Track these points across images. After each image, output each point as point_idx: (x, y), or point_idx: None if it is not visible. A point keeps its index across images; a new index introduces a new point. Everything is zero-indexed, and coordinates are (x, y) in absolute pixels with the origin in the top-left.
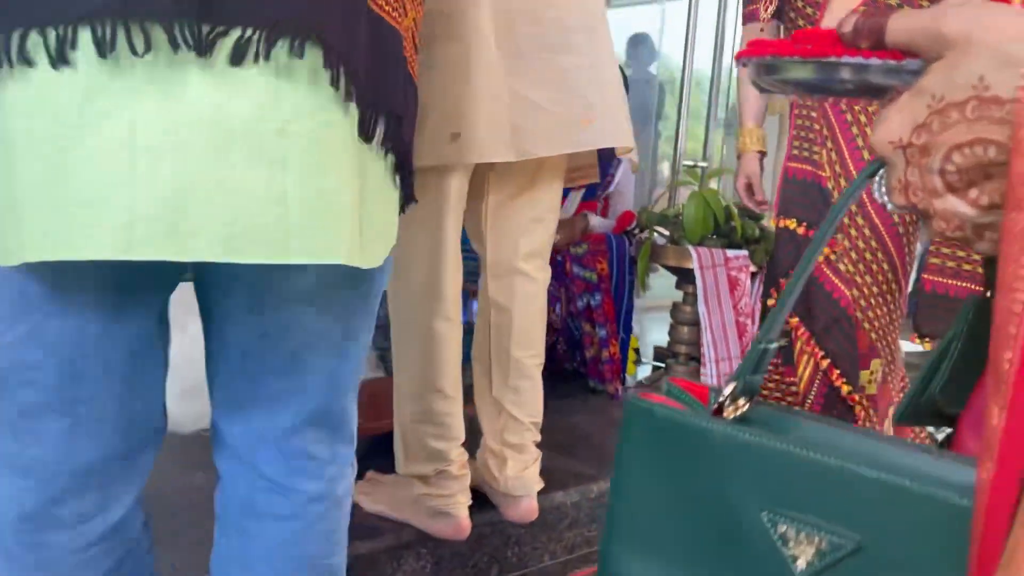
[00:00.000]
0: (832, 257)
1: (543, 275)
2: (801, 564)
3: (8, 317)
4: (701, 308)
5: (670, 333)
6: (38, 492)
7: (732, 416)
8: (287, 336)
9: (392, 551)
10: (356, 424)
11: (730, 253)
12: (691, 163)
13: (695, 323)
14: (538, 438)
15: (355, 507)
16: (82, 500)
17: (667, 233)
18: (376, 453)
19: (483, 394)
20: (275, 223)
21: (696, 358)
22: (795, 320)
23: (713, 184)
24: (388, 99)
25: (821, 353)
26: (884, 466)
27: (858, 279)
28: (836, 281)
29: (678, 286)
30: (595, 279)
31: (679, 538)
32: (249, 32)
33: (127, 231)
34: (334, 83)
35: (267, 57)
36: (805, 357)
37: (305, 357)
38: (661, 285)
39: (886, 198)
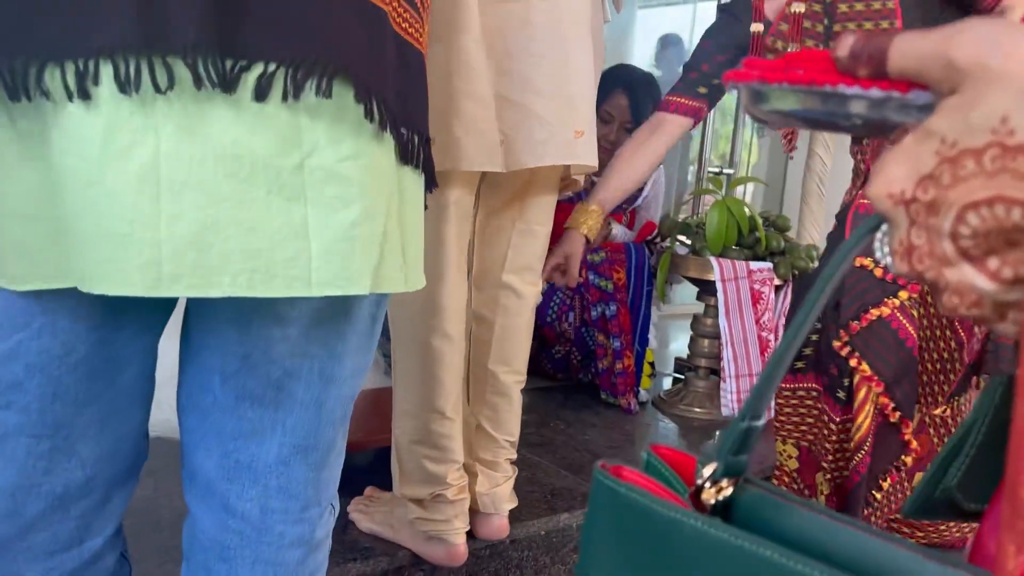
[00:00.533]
0: (907, 302)
1: (532, 289)
2: None
3: None
4: (722, 321)
5: (690, 346)
6: (11, 519)
7: (713, 501)
8: (272, 360)
9: (384, 574)
10: (339, 461)
11: (754, 265)
12: (716, 170)
13: (716, 336)
14: (513, 456)
15: (350, 525)
16: (58, 529)
17: (689, 243)
18: (380, 467)
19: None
20: (296, 257)
21: (716, 372)
22: (864, 366)
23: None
24: (418, 121)
25: (891, 405)
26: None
27: (924, 321)
28: (908, 327)
29: (699, 297)
30: (611, 288)
31: None
32: (272, 67)
33: (155, 268)
34: (368, 115)
35: (296, 97)
36: (869, 406)
37: (291, 384)
38: (686, 293)
39: (888, 260)
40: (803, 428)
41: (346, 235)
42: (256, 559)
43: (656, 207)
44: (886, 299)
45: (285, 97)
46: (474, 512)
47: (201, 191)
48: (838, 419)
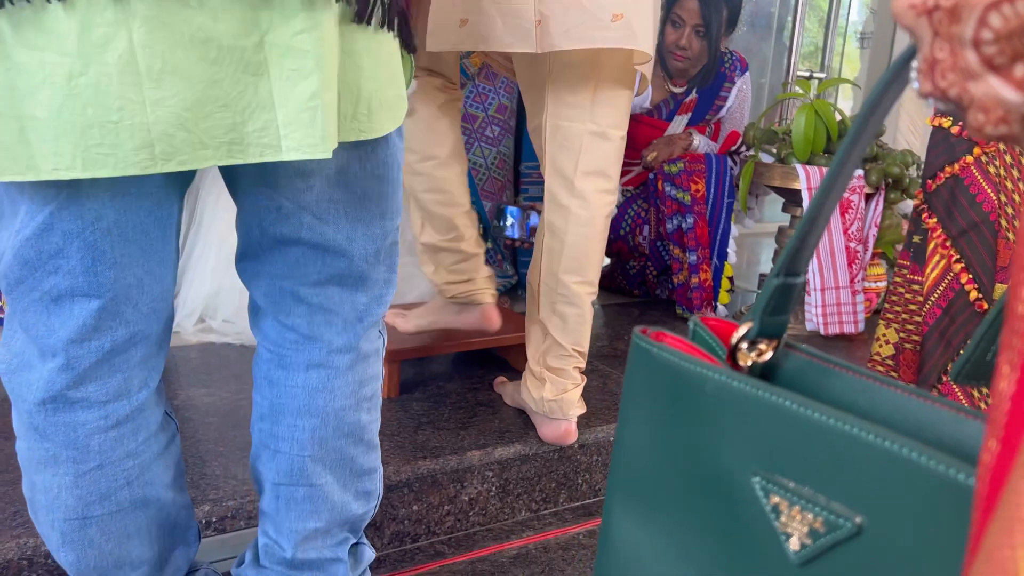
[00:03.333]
0: (983, 158)
1: (603, 198)
2: (794, 544)
3: (24, 212)
4: None
5: (775, 259)
6: (67, 373)
7: (750, 364)
8: (300, 209)
9: (455, 473)
10: (390, 289)
11: None
12: (806, 73)
13: None
14: (582, 365)
15: (422, 425)
16: (107, 381)
17: (774, 151)
18: (438, 372)
19: (531, 316)
20: (265, 127)
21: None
22: (932, 220)
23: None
24: None
25: (955, 256)
26: (902, 434)
27: (1008, 184)
28: (983, 183)
29: (785, 209)
30: (688, 200)
31: (671, 499)
32: None
33: (148, 150)
34: None
35: None
36: (937, 257)
37: (322, 226)
38: (773, 210)
39: (916, 85)
40: (892, 297)
41: (307, 105)
42: (309, 363)
43: (741, 117)
44: (960, 157)
45: None
46: (542, 417)
47: (178, 76)
48: (913, 279)
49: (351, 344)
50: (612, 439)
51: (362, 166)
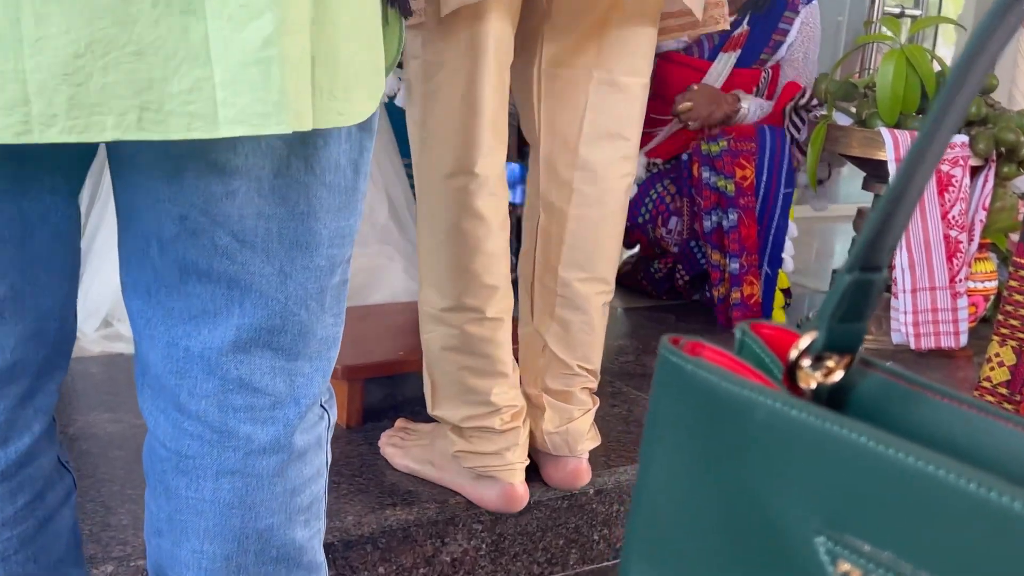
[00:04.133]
0: None
1: (618, 169)
2: None
3: None
4: None
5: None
6: None
7: (814, 387)
8: (213, 224)
9: (434, 526)
10: (335, 350)
11: None
12: (896, 10)
13: None
14: (593, 385)
15: (384, 465)
16: None
17: (853, 110)
18: (415, 395)
19: (524, 321)
20: (196, 87)
21: (888, 287)
22: None
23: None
24: None
25: None
26: (1016, 484)
27: None
28: None
29: (866, 186)
30: (731, 191)
31: (707, 562)
32: None
33: (22, 109)
34: None
35: None
36: None
37: (245, 253)
38: (850, 187)
39: None
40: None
41: (257, 56)
42: (220, 469)
43: (806, 61)
44: None
45: None
46: (544, 455)
47: (71, 6)
48: None
49: (280, 440)
50: None
51: (309, 168)
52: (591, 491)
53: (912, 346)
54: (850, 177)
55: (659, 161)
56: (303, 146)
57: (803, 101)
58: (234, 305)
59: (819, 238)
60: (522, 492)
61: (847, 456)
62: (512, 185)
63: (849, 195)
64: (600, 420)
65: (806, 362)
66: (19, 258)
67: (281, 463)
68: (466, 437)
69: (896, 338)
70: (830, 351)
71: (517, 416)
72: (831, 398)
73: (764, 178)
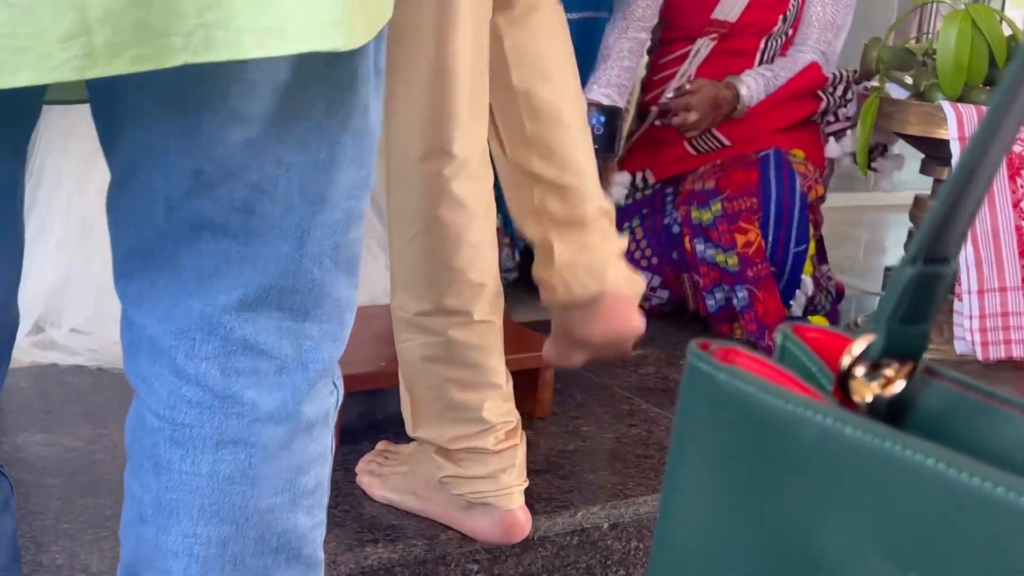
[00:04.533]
0: None
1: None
2: None
3: None
4: None
5: (908, 246)
6: None
7: (871, 399)
8: (231, 171)
9: (421, 566)
10: (350, 315)
11: None
12: None
13: None
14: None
15: (364, 494)
16: None
17: (910, 81)
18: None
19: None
20: None
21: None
22: None
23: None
24: None
25: None
26: None
27: None
28: None
29: (924, 169)
30: (735, 265)
31: None
32: None
33: (82, 40)
34: None
35: None
36: None
37: (264, 205)
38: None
39: None
40: None
41: None
42: (221, 439)
43: (834, 18)
44: None
45: None
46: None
47: None
48: None
49: (288, 408)
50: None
51: (331, 112)
52: (605, 525)
53: (979, 356)
54: (907, 158)
55: (650, 182)
56: (324, 76)
57: (838, 92)
58: (246, 262)
59: (868, 230)
60: (523, 519)
61: (911, 482)
62: None
63: (904, 181)
64: (616, 442)
65: (861, 371)
66: None
67: (288, 433)
68: (455, 460)
69: (960, 347)
70: (889, 358)
71: (513, 433)
72: (890, 413)
73: (771, 236)
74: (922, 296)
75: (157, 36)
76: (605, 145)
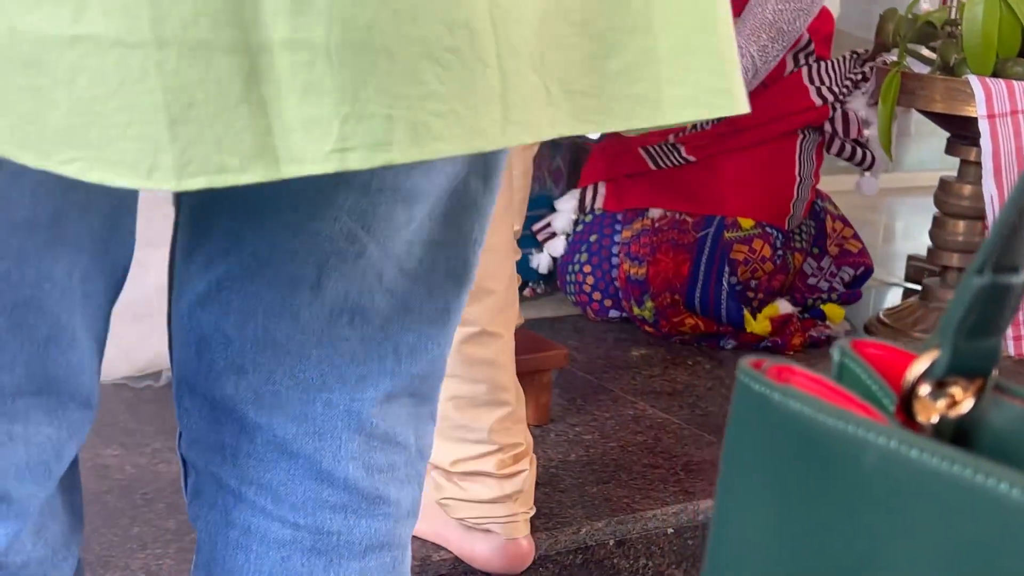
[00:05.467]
0: None
1: None
2: None
3: None
4: (989, 187)
5: (933, 233)
6: None
7: (936, 420)
8: (387, 252)
9: None
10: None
11: None
12: None
13: (978, 215)
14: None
15: None
16: None
17: (933, 56)
18: None
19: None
20: (637, 64)
21: None
22: None
23: None
24: None
25: None
26: None
27: None
28: None
29: (950, 149)
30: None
31: None
32: None
33: (498, 107)
34: None
35: None
36: None
37: (411, 289)
38: (927, 151)
39: None
40: None
41: (704, 18)
42: (370, 544)
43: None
44: None
45: None
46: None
47: None
48: None
49: (417, 502)
50: (671, 531)
51: (487, 188)
52: (611, 542)
53: (1011, 352)
54: (930, 137)
55: (597, 207)
56: (481, 159)
57: (852, 71)
58: (388, 352)
59: (887, 214)
60: (527, 548)
61: (984, 509)
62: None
63: (924, 161)
64: (620, 451)
65: (925, 389)
66: (38, 334)
67: (393, 560)
68: (456, 482)
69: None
70: (956, 375)
71: (521, 457)
72: (957, 434)
73: (700, 285)
74: (990, 308)
75: (534, 105)
76: None
